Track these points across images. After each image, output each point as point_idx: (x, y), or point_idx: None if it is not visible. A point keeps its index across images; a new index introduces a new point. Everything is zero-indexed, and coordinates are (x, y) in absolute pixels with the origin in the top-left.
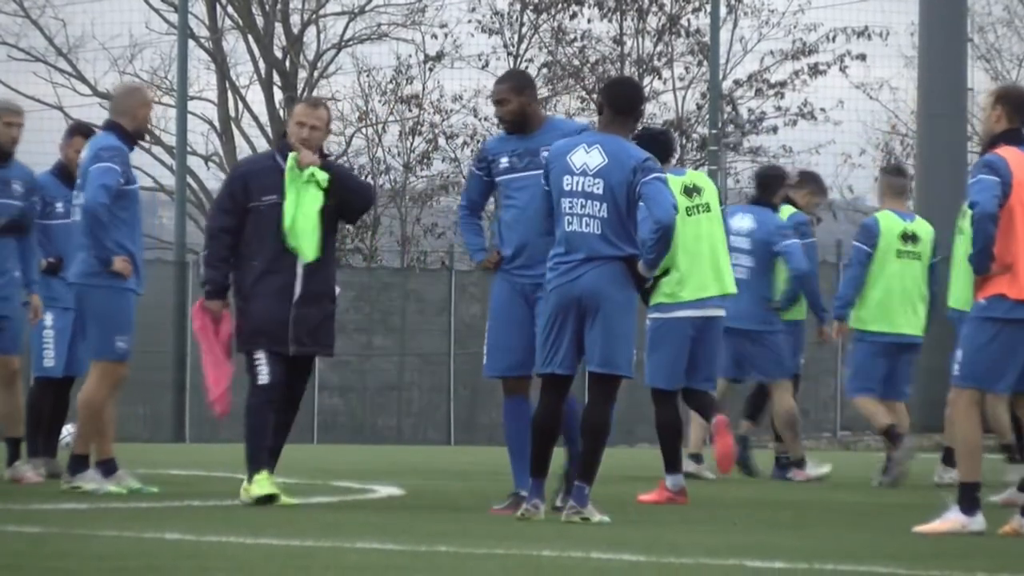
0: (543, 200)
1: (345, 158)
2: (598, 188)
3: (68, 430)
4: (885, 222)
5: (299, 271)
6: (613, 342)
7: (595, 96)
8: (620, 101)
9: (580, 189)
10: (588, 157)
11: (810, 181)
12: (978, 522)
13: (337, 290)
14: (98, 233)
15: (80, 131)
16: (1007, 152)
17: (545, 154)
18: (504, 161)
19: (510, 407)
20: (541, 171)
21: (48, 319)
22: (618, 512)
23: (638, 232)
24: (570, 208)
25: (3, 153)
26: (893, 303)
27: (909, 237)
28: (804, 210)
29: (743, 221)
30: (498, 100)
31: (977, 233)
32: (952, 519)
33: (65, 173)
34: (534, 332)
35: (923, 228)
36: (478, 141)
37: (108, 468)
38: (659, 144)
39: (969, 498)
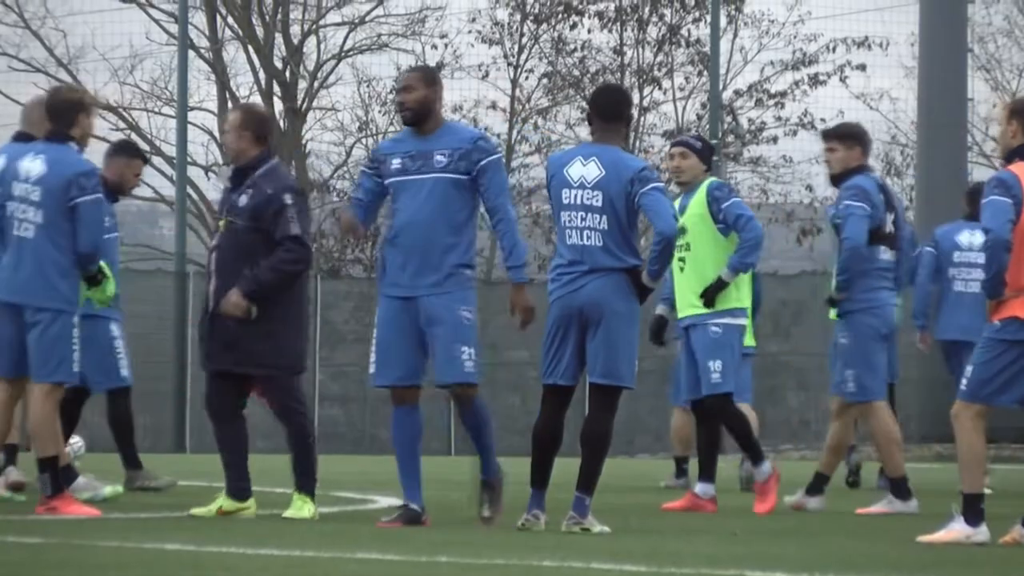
0: (432, 211)
1: (345, 168)
2: (597, 200)
3: (76, 441)
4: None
5: (211, 288)
6: (615, 353)
7: None
8: (608, 109)
9: (579, 202)
10: (585, 169)
11: None
12: (982, 533)
13: (254, 310)
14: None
15: (127, 150)
16: (1021, 168)
17: (440, 158)
18: (396, 162)
19: (398, 417)
20: (432, 175)
21: (114, 330)
22: (619, 522)
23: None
24: (570, 221)
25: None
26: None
27: None
28: None
29: (975, 237)
30: (405, 87)
31: (991, 260)
32: (956, 529)
33: (113, 190)
34: (422, 343)
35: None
36: None
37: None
38: (711, 150)
39: (973, 509)
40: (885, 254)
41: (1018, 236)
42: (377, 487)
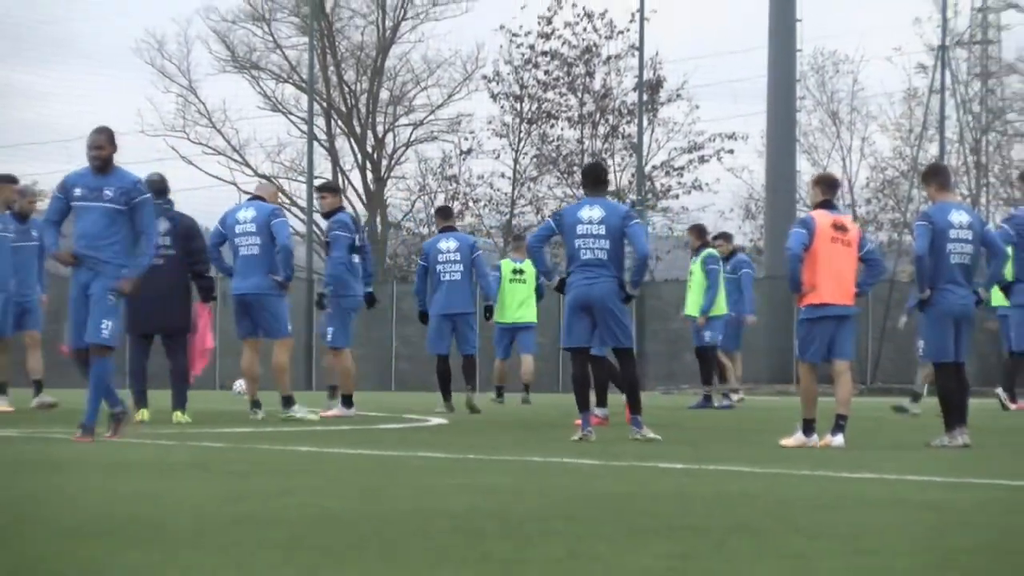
0: (101, 229)
1: (411, 214)
2: (601, 231)
3: (240, 384)
4: (504, 267)
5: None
6: (621, 329)
7: (566, 176)
8: (590, 177)
9: (590, 232)
10: (592, 212)
11: (727, 238)
12: (813, 440)
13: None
14: None
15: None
16: (817, 213)
17: (108, 192)
18: (77, 191)
19: (94, 365)
20: (102, 204)
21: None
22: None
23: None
24: (584, 245)
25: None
26: (508, 306)
27: (517, 271)
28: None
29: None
30: (98, 145)
31: (790, 269)
32: (798, 438)
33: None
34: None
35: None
36: (496, 204)
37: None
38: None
39: (808, 426)
40: (356, 258)
41: (810, 255)
42: (431, 412)
